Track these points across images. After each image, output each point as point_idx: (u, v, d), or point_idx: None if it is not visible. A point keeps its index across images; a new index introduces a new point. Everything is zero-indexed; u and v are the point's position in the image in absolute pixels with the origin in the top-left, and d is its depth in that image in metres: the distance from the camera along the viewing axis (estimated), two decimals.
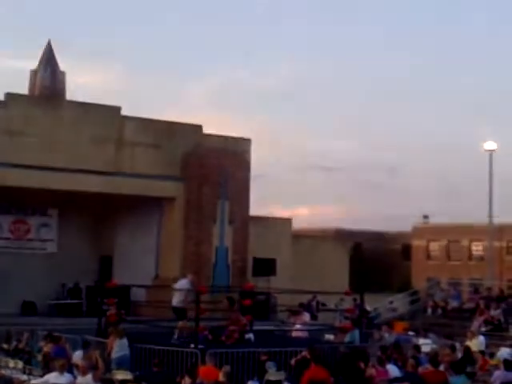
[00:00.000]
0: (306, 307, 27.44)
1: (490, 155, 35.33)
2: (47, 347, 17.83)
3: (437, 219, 55.53)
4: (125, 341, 17.40)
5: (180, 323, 19.86)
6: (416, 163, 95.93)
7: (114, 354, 16.92)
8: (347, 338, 20.82)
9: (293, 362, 16.94)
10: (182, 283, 20.60)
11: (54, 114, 27.91)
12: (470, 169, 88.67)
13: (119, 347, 17.14)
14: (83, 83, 75.94)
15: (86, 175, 27.81)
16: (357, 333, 20.99)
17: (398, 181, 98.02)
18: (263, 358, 16.44)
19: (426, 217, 56.28)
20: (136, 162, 29.11)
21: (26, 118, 27.20)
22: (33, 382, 14.73)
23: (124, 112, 29.46)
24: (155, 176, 29.16)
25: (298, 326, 22.81)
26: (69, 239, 30.73)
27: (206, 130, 31.18)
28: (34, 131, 27.12)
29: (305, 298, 28.63)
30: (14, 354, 18.38)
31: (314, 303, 30.10)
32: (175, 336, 19.37)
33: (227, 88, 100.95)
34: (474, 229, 49.88)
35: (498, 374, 15.70)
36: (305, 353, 16.67)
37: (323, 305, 30.82)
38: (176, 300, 19.98)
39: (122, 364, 16.53)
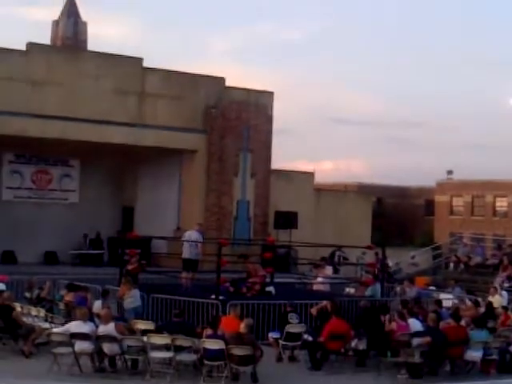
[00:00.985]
0: (328, 260, 27.44)
1: None
2: (69, 296, 17.95)
3: (461, 175, 55.06)
4: (137, 291, 17.62)
5: (194, 274, 20.12)
6: (442, 118, 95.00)
7: (128, 305, 17.14)
8: (368, 292, 20.82)
9: (313, 310, 16.93)
10: (195, 235, 20.65)
11: (75, 64, 27.73)
12: (496, 124, 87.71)
13: (133, 297, 17.39)
14: (105, 35, 75.58)
15: (109, 126, 27.73)
16: (378, 287, 20.97)
17: (423, 136, 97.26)
18: (288, 309, 16.42)
19: (450, 172, 55.74)
20: (158, 113, 28.96)
21: (47, 68, 27.05)
22: (55, 330, 14.81)
23: (146, 64, 29.25)
24: (177, 128, 29.01)
25: (319, 280, 22.80)
26: (91, 190, 30.81)
27: (230, 84, 30.92)
28: (56, 81, 26.99)
29: (326, 252, 28.59)
30: (37, 302, 18.51)
31: (337, 254, 30.03)
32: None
33: (251, 41, 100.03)
34: (498, 184, 49.41)
35: None
36: (326, 302, 16.65)
37: (345, 259, 30.75)
38: (194, 252, 20.05)
39: (137, 315, 16.82)
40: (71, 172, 31.06)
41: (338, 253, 30.25)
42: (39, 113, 26.47)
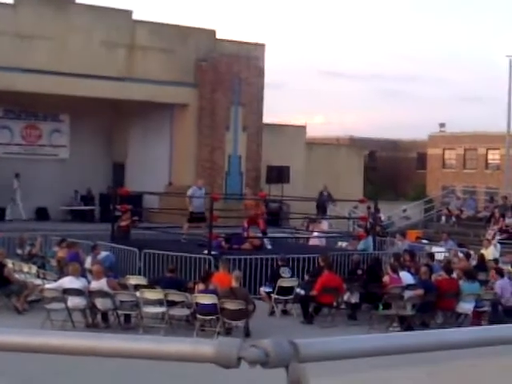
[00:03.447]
0: (317, 201, 27.56)
1: (510, 61, 34.61)
2: (61, 252, 17.93)
3: (453, 127, 54.93)
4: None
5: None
6: (434, 71, 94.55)
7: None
8: (360, 246, 20.86)
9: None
10: (200, 191, 20.91)
11: (64, 17, 27.26)
12: (489, 77, 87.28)
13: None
14: None
15: (98, 80, 27.37)
16: (370, 240, 21.02)
17: (416, 89, 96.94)
18: (280, 263, 16.44)
19: (442, 125, 55.61)
20: (148, 67, 28.59)
21: (36, 22, 26.60)
22: (47, 286, 14.80)
23: (136, 16, 28.84)
24: (167, 82, 28.67)
25: (315, 234, 22.87)
26: (81, 145, 30.54)
27: (221, 35, 30.56)
28: (45, 35, 26.56)
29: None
30: (28, 259, 18.48)
31: (325, 193, 30.02)
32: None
33: None
34: (490, 137, 49.33)
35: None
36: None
37: (332, 200, 30.26)
38: (203, 207, 20.36)
39: (111, 264, 17.06)
40: (61, 127, 30.75)
41: (324, 192, 30.23)
42: (28, 67, 26.10)
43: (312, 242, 22.41)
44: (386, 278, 15.43)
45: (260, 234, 20.24)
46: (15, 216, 27.71)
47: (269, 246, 19.89)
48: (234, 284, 13.83)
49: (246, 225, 20.02)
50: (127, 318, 14.19)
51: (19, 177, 28.32)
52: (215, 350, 1.93)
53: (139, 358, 2.03)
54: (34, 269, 16.78)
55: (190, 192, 21.22)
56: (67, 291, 13.82)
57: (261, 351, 1.91)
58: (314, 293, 14.93)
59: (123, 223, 21.43)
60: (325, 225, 24.74)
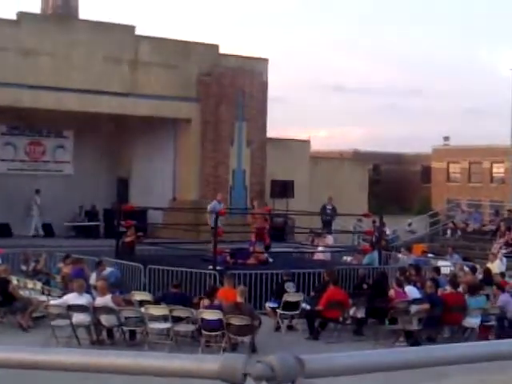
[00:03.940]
0: (320, 214, 27.49)
1: None
2: (66, 268, 17.89)
3: (458, 141, 54.90)
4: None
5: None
6: (438, 85, 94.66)
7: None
8: (366, 260, 20.81)
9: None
10: (219, 205, 21.01)
11: (67, 33, 27.36)
12: (493, 90, 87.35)
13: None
14: (96, 1, 74.79)
15: (101, 96, 27.44)
16: (375, 255, 20.97)
17: (419, 102, 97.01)
18: (285, 278, 16.39)
19: (446, 138, 55.58)
20: (151, 82, 28.65)
21: (39, 38, 26.72)
22: (52, 302, 14.76)
23: (138, 32, 28.93)
24: (171, 97, 28.73)
25: (320, 249, 22.83)
26: (85, 161, 30.58)
27: (224, 50, 30.63)
28: (48, 51, 26.67)
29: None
30: (33, 275, 18.44)
31: (328, 207, 29.95)
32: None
33: (246, 7, 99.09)
34: (495, 150, 49.25)
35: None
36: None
37: (336, 214, 30.19)
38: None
39: (116, 280, 16.99)
40: (65, 143, 30.81)
41: (328, 206, 30.15)
42: (31, 83, 26.18)
43: (317, 256, 22.35)
44: (391, 293, 15.36)
45: (264, 249, 20.24)
46: (32, 231, 28.16)
47: (269, 259, 19.89)
48: (239, 299, 13.78)
49: (253, 239, 19.99)
50: (132, 334, 14.13)
51: (40, 192, 28.57)
52: (220, 366, 1.91)
53: (144, 374, 2.02)
54: (39, 285, 16.74)
55: (210, 207, 21.24)
56: (72, 308, 13.78)
57: (266, 367, 1.89)
58: (319, 308, 14.86)
59: (128, 239, 21.40)
60: (330, 239, 24.73)
